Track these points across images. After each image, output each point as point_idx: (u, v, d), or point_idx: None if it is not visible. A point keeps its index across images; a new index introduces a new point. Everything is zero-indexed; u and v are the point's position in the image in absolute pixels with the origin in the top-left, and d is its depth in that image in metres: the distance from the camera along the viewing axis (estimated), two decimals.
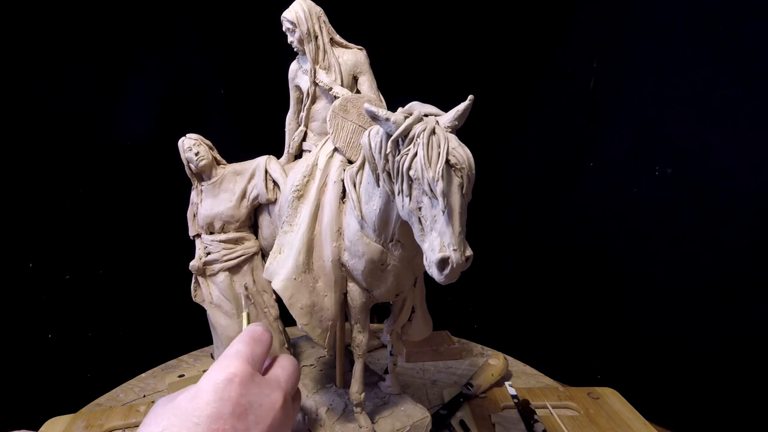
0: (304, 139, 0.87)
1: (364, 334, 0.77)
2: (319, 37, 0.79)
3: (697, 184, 0.96)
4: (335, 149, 0.74)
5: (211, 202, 0.91)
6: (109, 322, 1.18)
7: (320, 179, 0.73)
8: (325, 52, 0.80)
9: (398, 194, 0.56)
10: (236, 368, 0.36)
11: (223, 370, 0.35)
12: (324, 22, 0.80)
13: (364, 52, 0.83)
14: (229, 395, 0.34)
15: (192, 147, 0.88)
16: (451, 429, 0.89)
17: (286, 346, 0.98)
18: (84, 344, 1.15)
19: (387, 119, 0.54)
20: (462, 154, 0.53)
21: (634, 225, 1.07)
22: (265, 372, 0.40)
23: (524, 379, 1.09)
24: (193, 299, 0.96)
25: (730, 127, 0.91)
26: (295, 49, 0.82)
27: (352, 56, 0.82)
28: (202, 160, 0.88)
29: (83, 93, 1.08)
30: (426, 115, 0.56)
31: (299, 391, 0.43)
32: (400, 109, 0.57)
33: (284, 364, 0.41)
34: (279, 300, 0.87)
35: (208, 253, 0.92)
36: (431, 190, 0.51)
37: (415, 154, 0.52)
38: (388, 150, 0.55)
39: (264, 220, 0.93)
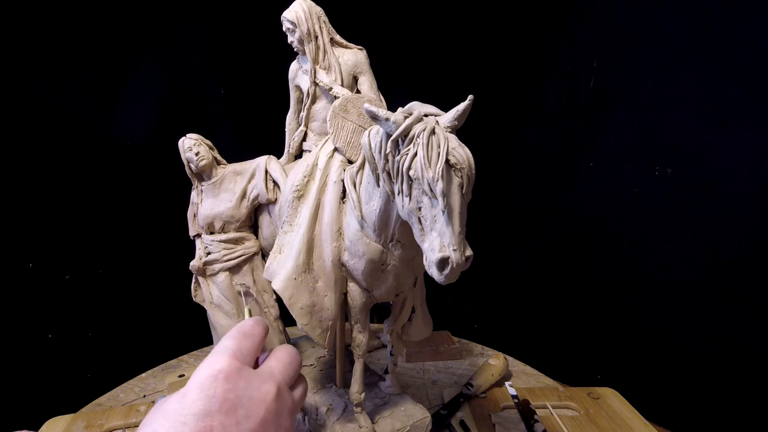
0: (304, 139, 0.87)
1: (364, 334, 0.77)
2: (319, 37, 0.79)
3: (697, 184, 0.96)
4: (335, 149, 0.74)
5: (212, 202, 0.91)
6: (109, 322, 1.19)
7: (320, 179, 0.73)
8: (325, 52, 0.80)
9: (398, 194, 0.56)
10: (221, 364, 0.35)
11: (208, 368, 0.35)
12: (324, 22, 0.80)
13: (364, 52, 0.83)
14: (215, 392, 0.33)
15: (192, 147, 0.88)
16: (451, 429, 0.89)
17: None
18: (84, 344, 1.15)
19: (387, 119, 0.54)
20: (462, 154, 0.53)
21: (635, 225, 1.07)
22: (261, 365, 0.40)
23: (524, 379, 1.09)
24: (194, 299, 0.96)
25: (730, 127, 0.91)
26: (295, 49, 0.82)
27: (352, 56, 0.82)
28: (203, 160, 0.88)
29: (83, 93, 1.08)
30: (426, 115, 0.56)
31: (303, 379, 0.42)
32: (400, 109, 0.57)
33: (279, 355, 0.40)
34: (279, 300, 0.87)
35: (209, 253, 0.92)
36: (431, 190, 0.51)
37: (415, 154, 0.52)
38: (388, 150, 0.55)
39: (264, 220, 0.93)
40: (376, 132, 0.59)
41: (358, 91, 0.83)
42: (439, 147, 0.52)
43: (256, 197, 0.90)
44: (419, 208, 0.54)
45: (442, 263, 0.51)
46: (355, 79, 0.83)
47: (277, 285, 0.71)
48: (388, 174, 0.57)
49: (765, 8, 0.84)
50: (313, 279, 0.72)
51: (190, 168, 0.90)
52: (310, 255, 0.71)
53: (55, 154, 1.06)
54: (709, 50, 0.91)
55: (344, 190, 0.70)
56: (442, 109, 0.58)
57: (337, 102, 0.75)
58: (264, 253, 0.95)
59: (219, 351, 0.37)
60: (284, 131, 0.92)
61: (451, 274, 0.51)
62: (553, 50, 1.16)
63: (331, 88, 0.79)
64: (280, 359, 0.40)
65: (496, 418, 0.90)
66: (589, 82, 1.09)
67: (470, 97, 0.55)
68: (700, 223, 0.97)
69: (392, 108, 0.58)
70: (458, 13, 1.21)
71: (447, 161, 0.51)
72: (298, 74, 0.85)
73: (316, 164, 0.76)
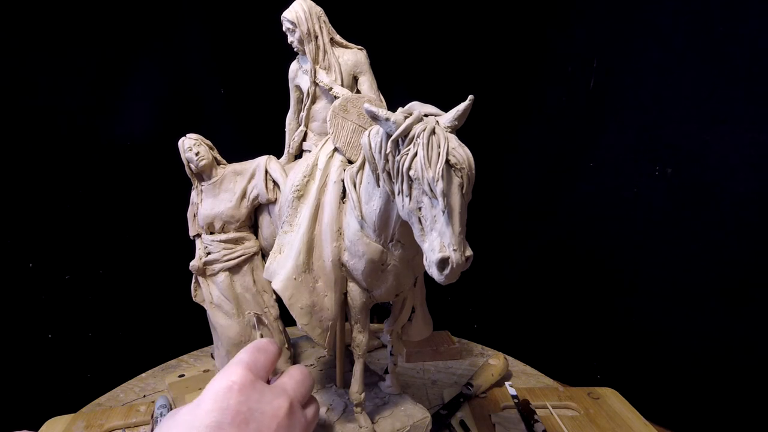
0: (304, 139, 0.87)
1: (364, 334, 0.77)
2: (319, 37, 0.79)
3: (697, 184, 0.96)
4: (335, 149, 0.74)
5: (212, 202, 0.91)
6: (109, 322, 1.18)
7: (320, 179, 0.73)
8: (325, 52, 0.80)
9: (398, 194, 0.56)
10: (236, 375, 0.36)
11: (222, 379, 0.36)
12: (324, 22, 0.80)
13: (364, 52, 0.83)
14: (228, 404, 0.34)
15: (192, 147, 0.88)
16: (451, 429, 0.89)
17: (286, 346, 0.98)
18: (84, 344, 1.15)
19: (387, 119, 0.54)
20: (462, 154, 0.53)
21: (635, 225, 1.07)
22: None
23: (524, 379, 1.09)
24: (193, 299, 0.96)
25: (730, 127, 0.91)
26: (295, 49, 0.82)
27: (352, 56, 0.82)
28: (203, 160, 0.88)
29: (83, 93, 1.08)
30: (426, 115, 0.56)
31: (315, 399, 0.43)
32: (400, 109, 0.57)
33: (293, 373, 0.41)
34: (279, 300, 0.87)
35: (208, 253, 0.92)
36: (431, 190, 0.51)
37: (415, 154, 0.52)
38: (388, 150, 0.55)
39: (264, 220, 0.93)
40: (376, 132, 0.59)
41: (358, 91, 0.83)
42: (439, 147, 0.52)
43: (256, 197, 0.90)
44: (419, 208, 0.54)
45: (442, 263, 0.51)
46: (355, 79, 0.83)
47: (277, 285, 0.71)
48: (388, 174, 0.57)
49: (765, 8, 0.84)
50: (313, 279, 0.72)
51: (190, 168, 0.90)
52: (310, 255, 0.71)
53: (55, 154, 1.06)
54: (709, 50, 0.91)
55: (344, 190, 0.70)
56: (442, 109, 0.58)
57: (337, 102, 0.75)
58: (264, 253, 0.95)
59: (233, 363, 0.37)
60: (284, 131, 0.92)
61: (451, 274, 0.51)
62: (553, 50, 1.16)
63: (331, 88, 0.79)
64: (293, 377, 0.41)
65: (496, 418, 0.90)
66: (589, 82, 1.09)
67: (470, 97, 0.55)
68: (700, 223, 0.97)
69: (392, 108, 0.58)
70: (458, 13, 1.21)
71: (447, 161, 0.51)
72: (298, 74, 0.85)
73: (316, 164, 0.76)
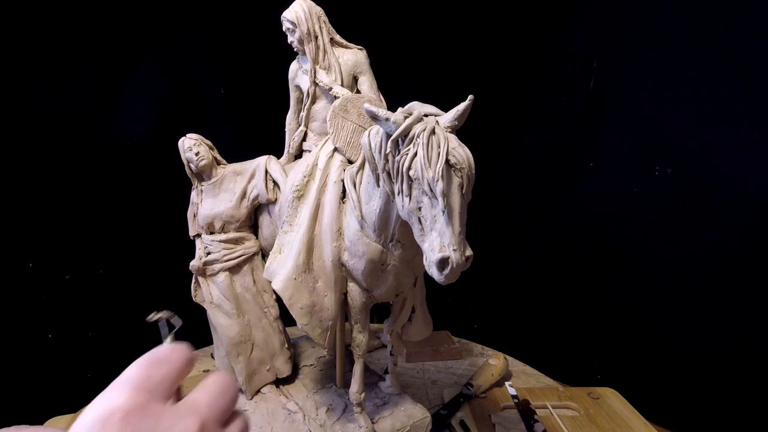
0: (304, 139, 0.87)
1: (364, 334, 0.77)
2: (319, 37, 0.79)
3: (697, 184, 0.96)
4: (335, 149, 0.74)
5: (212, 202, 0.91)
6: (109, 322, 1.18)
7: (320, 179, 0.73)
8: (325, 52, 0.80)
9: (398, 194, 0.56)
10: (119, 400, 0.27)
11: (99, 407, 0.27)
12: (324, 22, 0.80)
13: (364, 52, 0.83)
14: None
15: (192, 147, 0.88)
16: (451, 429, 0.89)
17: (286, 346, 0.98)
18: (84, 344, 1.15)
19: (387, 119, 0.54)
20: (462, 154, 0.53)
21: (634, 225, 1.07)
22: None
23: (524, 379, 1.09)
24: (193, 299, 0.96)
25: (730, 127, 0.91)
26: (295, 49, 0.82)
27: (352, 56, 0.82)
28: (203, 160, 0.88)
29: (83, 93, 1.08)
30: (426, 115, 0.56)
31: (240, 413, 0.33)
32: (400, 109, 0.58)
33: (207, 384, 0.32)
34: (279, 300, 0.87)
35: (208, 253, 0.92)
36: (431, 190, 0.51)
37: (415, 154, 0.52)
38: (388, 150, 0.55)
39: (264, 220, 0.93)
40: (376, 132, 0.59)
41: (358, 91, 0.83)
42: (439, 147, 0.52)
43: (256, 197, 0.90)
44: (419, 208, 0.54)
45: (442, 263, 0.51)
46: (355, 79, 0.83)
47: (277, 285, 0.71)
48: (388, 174, 0.57)
49: (765, 8, 0.84)
50: (313, 279, 0.72)
51: (190, 168, 0.90)
52: (310, 255, 0.71)
53: (55, 154, 1.06)
54: (709, 50, 0.91)
55: (344, 190, 0.70)
56: (442, 109, 0.58)
57: (337, 102, 0.75)
58: (264, 253, 0.95)
59: (118, 383, 0.29)
60: (284, 131, 0.92)
61: (451, 274, 0.51)
62: (553, 50, 1.16)
63: (331, 88, 0.79)
64: (207, 390, 0.31)
65: (496, 418, 0.90)
66: (589, 82, 1.09)
67: (470, 97, 0.55)
68: (700, 223, 0.97)
69: (392, 108, 0.58)
70: (458, 13, 1.21)
71: (447, 161, 0.52)
72: (298, 74, 0.85)
73: (316, 164, 0.76)
